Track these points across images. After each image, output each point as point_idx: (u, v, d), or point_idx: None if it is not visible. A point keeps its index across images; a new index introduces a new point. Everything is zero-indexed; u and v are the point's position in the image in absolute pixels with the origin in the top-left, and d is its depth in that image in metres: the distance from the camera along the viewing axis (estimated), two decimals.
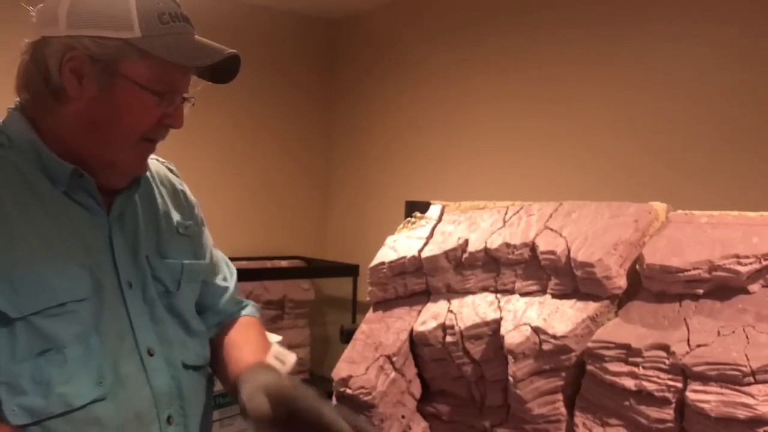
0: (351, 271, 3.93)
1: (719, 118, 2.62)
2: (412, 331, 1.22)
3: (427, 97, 3.93)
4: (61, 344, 0.95)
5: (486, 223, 1.26)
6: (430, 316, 1.21)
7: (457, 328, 1.16)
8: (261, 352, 1.16)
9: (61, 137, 1.02)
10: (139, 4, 0.99)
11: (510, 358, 1.06)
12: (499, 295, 1.17)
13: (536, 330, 1.05)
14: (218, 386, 1.21)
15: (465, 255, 1.22)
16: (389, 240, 1.36)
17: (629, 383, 0.96)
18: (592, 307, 1.05)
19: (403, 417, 1.18)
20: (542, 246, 1.13)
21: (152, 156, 1.14)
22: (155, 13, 1.00)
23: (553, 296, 1.11)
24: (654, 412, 0.93)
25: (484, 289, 1.20)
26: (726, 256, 0.96)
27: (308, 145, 4.51)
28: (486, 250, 1.20)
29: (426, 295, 1.27)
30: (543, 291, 1.13)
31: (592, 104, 3.07)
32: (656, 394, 0.93)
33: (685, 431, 0.91)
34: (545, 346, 1.04)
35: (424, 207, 1.44)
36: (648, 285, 1.04)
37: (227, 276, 1.29)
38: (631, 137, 2.91)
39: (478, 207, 1.34)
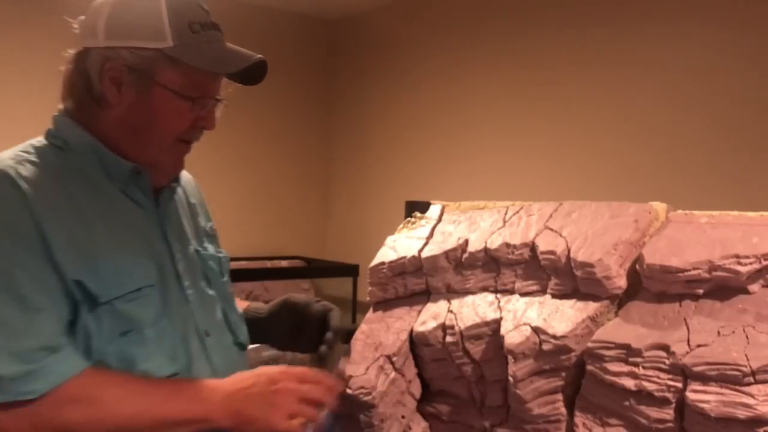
0: (351, 271, 3.94)
1: (719, 118, 2.62)
2: (412, 331, 1.22)
3: (427, 97, 3.93)
4: (140, 326, 1.05)
5: (486, 223, 1.26)
6: (430, 316, 1.21)
7: (457, 328, 1.16)
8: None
9: (107, 140, 1.11)
10: (171, 15, 1.07)
11: (510, 358, 1.06)
12: (499, 295, 1.17)
13: (536, 330, 1.05)
14: None
15: (465, 255, 1.22)
16: (389, 240, 1.36)
17: (629, 383, 0.96)
18: (592, 307, 1.05)
19: (403, 417, 1.18)
20: (542, 246, 1.13)
21: None
22: (186, 23, 1.08)
23: (553, 296, 1.11)
24: (654, 412, 0.93)
25: (484, 289, 1.20)
26: (726, 256, 0.96)
27: (308, 145, 4.51)
28: (486, 250, 1.20)
29: (426, 295, 1.27)
30: (543, 291, 1.13)
31: (592, 104, 3.07)
32: (656, 394, 0.93)
33: (685, 431, 0.91)
34: (545, 346, 1.04)
35: (424, 207, 1.44)
36: (648, 285, 1.04)
37: None
38: (631, 137, 2.91)
39: (478, 207, 1.34)
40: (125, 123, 1.10)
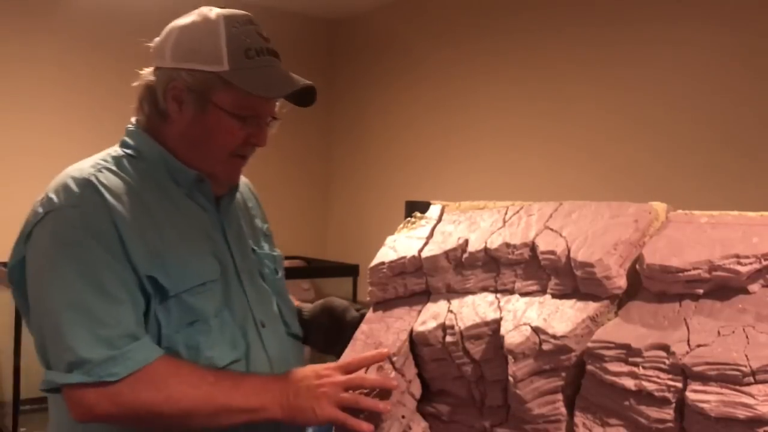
0: (351, 271, 3.94)
1: (719, 118, 2.62)
2: (412, 331, 1.22)
3: (426, 97, 3.93)
4: (205, 316, 1.18)
5: (486, 223, 1.26)
6: (430, 316, 1.21)
7: (457, 328, 1.16)
8: None
9: (173, 150, 1.24)
10: (228, 41, 1.19)
11: (510, 358, 1.06)
12: (499, 295, 1.17)
13: (536, 330, 1.05)
14: None
15: (465, 255, 1.22)
16: (389, 240, 1.36)
17: (629, 383, 0.96)
18: (592, 307, 1.05)
19: (403, 417, 1.18)
20: (542, 246, 1.13)
21: None
22: (243, 49, 1.19)
23: (553, 296, 1.10)
24: (654, 412, 0.93)
25: (484, 289, 1.20)
26: (726, 256, 0.96)
27: (308, 145, 4.51)
28: (486, 250, 1.20)
29: (426, 295, 1.27)
30: (543, 291, 1.13)
31: (592, 104, 3.07)
32: (656, 394, 0.93)
33: (685, 431, 0.91)
34: (545, 346, 1.04)
35: (424, 207, 1.44)
36: (648, 285, 1.04)
37: None
38: (631, 137, 2.91)
39: (478, 207, 1.34)
40: (185, 137, 1.23)
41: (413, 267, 1.27)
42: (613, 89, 2.98)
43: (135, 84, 1.26)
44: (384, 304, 1.31)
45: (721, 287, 0.98)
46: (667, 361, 0.93)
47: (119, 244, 1.12)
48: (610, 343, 0.99)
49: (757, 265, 0.95)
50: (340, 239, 4.60)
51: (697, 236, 1.03)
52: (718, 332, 0.92)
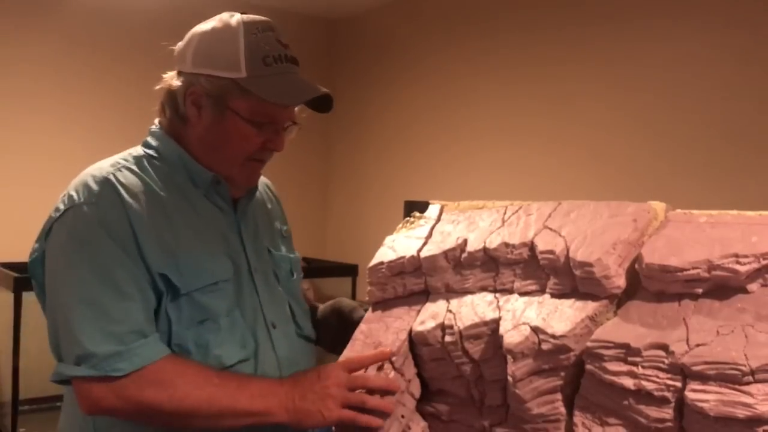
0: (350, 271, 3.93)
1: (718, 118, 2.62)
2: (411, 330, 1.22)
3: (426, 97, 3.93)
4: (216, 315, 1.20)
5: (485, 223, 1.26)
6: (429, 316, 1.21)
7: (456, 327, 1.16)
8: None
9: (192, 152, 1.27)
10: (247, 48, 1.20)
11: (509, 358, 1.06)
12: (498, 295, 1.17)
13: (535, 330, 1.05)
14: None
15: (464, 255, 1.22)
16: (388, 240, 1.36)
17: (628, 383, 0.96)
18: (591, 306, 1.05)
19: (402, 417, 1.18)
20: (541, 245, 1.13)
21: None
22: (261, 56, 1.20)
23: (552, 296, 1.10)
24: (653, 412, 0.93)
25: (483, 289, 1.20)
26: (725, 255, 0.96)
27: (307, 144, 4.51)
28: (485, 249, 1.20)
29: (425, 295, 1.27)
30: (542, 291, 1.13)
31: (591, 103, 3.07)
32: (655, 393, 0.93)
33: (684, 430, 0.91)
34: (544, 346, 1.04)
35: (422, 207, 1.44)
36: (647, 284, 1.04)
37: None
38: (630, 136, 2.91)
39: (476, 207, 1.34)
40: (204, 141, 1.25)
41: (412, 267, 1.27)
42: (612, 89, 2.98)
43: (158, 87, 1.29)
44: (383, 304, 1.31)
45: (720, 287, 0.98)
46: (666, 361, 0.93)
47: (133, 241, 1.14)
48: (609, 342, 0.99)
49: (756, 265, 0.95)
50: (339, 239, 4.60)
51: (696, 236, 1.03)
52: (717, 332, 0.92)
